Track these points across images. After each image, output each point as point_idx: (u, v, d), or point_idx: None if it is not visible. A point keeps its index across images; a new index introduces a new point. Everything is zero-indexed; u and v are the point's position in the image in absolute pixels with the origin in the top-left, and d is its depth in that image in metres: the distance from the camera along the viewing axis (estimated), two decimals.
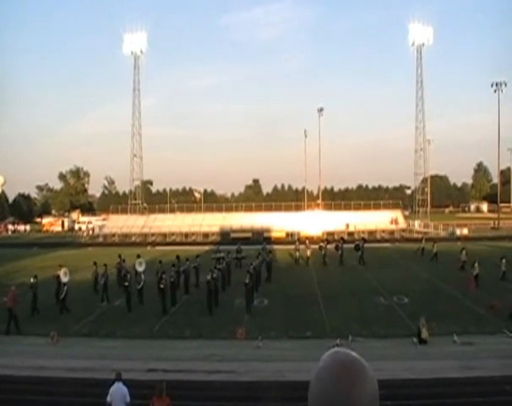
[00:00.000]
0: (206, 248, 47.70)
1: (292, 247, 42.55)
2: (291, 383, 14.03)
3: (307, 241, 41.88)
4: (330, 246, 40.06)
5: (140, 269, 26.66)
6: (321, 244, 40.36)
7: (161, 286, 23.56)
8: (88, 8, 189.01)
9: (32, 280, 23.98)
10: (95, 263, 28.54)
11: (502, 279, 29.19)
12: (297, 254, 39.58)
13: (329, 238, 50.78)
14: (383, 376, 12.89)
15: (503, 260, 29.84)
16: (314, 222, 63.81)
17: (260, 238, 58.04)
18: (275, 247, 49.63)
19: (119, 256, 30.40)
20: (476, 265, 28.01)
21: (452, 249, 40.64)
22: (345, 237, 55.43)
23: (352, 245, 40.09)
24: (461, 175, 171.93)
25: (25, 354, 17.51)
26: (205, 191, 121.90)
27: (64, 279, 24.37)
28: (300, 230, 62.17)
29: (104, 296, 25.67)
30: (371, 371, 1.50)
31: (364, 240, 42.06)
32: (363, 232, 62.66)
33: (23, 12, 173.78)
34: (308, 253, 39.11)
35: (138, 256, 29.53)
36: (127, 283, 24.38)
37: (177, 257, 29.60)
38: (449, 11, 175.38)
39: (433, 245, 39.99)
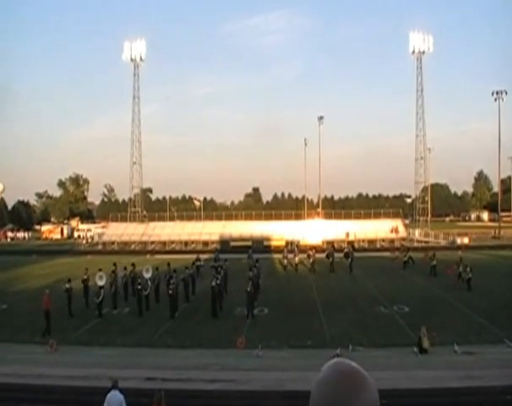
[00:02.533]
0: (205, 256, 47.50)
1: (280, 255, 43.00)
2: (291, 393, 13.94)
3: (295, 249, 42.01)
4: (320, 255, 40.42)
5: (147, 275, 26.69)
6: (309, 252, 40.41)
7: (170, 292, 23.84)
8: (88, 16, 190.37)
9: (67, 285, 24.52)
10: (100, 270, 28.65)
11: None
12: (285, 261, 39.98)
13: (328, 246, 50.81)
14: (383, 386, 12.81)
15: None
16: (314, 231, 63.73)
17: (260, 246, 57.92)
18: (274, 256, 49.61)
19: (114, 264, 30.18)
20: (469, 269, 29.55)
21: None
22: (346, 245, 55.42)
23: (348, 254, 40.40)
24: (462, 184, 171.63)
25: (24, 362, 17.43)
26: (205, 199, 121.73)
27: (100, 283, 24.68)
28: (300, 239, 62.08)
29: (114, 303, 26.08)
30: (371, 381, 1.50)
31: (353, 248, 42.14)
32: (363, 240, 62.72)
33: (23, 19, 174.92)
34: (297, 260, 39.59)
35: (133, 265, 29.50)
36: (139, 287, 24.96)
37: (168, 264, 29.83)
38: (450, 19, 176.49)
39: (406, 253, 41.00)
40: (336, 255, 40.26)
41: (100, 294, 24.04)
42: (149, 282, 26.01)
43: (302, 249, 45.61)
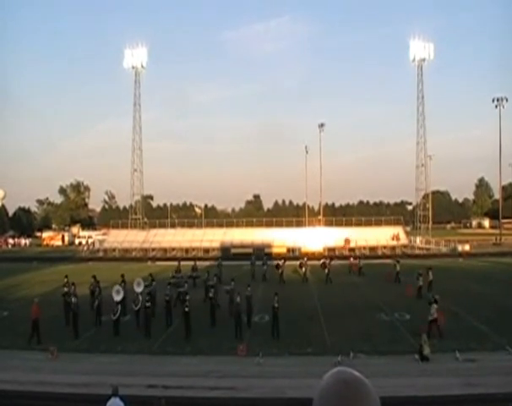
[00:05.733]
0: (207, 263, 47.41)
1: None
2: (291, 400, 13.92)
3: (264, 257, 41.44)
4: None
5: (138, 289, 25.18)
6: (278, 262, 39.81)
7: (186, 309, 21.74)
8: (89, 23, 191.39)
9: (73, 300, 22.90)
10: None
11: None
12: (303, 270, 39.29)
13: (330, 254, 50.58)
14: (385, 393, 12.78)
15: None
16: (315, 238, 63.73)
17: (261, 253, 57.75)
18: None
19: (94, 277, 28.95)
20: (421, 278, 30.22)
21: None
22: (347, 252, 55.53)
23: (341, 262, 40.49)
24: (463, 191, 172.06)
25: (25, 369, 17.42)
26: (206, 206, 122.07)
27: (117, 298, 22.70)
28: (301, 246, 62.16)
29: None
30: (373, 390, 1.52)
31: (331, 258, 41.73)
32: (364, 247, 62.67)
33: (24, 25, 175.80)
34: (264, 268, 39.04)
35: (94, 277, 28.31)
36: (148, 304, 22.52)
37: (122, 275, 28.91)
38: (450, 26, 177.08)
39: (358, 261, 42.18)
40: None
41: (118, 310, 22.12)
42: (140, 297, 24.14)
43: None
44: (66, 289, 26.01)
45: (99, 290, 25.68)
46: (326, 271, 37.43)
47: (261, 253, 57.31)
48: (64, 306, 24.99)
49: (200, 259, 55.54)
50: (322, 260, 40.43)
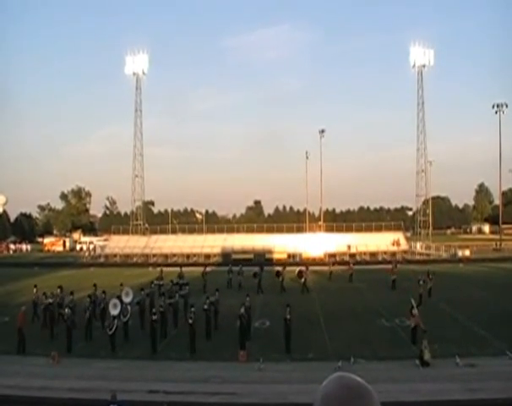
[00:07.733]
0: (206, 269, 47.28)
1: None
2: (292, 405, 13.95)
3: (240, 265, 40.98)
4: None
5: (127, 300, 23.75)
6: (256, 270, 38.41)
7: (190, 321, 20.64)
8: (90, 30, 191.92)
9: (67, 311, 21.67)
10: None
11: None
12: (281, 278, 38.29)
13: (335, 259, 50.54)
14: (385, 399, 12.84)
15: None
16: (316, 244, 63.72)
17: (262, 258, 57.73)
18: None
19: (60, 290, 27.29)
20: (421, 282, 30.06)
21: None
22: (348, 258, 55.57)
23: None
24: (463, 196, 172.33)
25: (26, 374, 17.45)
26: (207, 212, 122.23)
27: (114, 312, 21.30)
28: (302, 251, 62.18)
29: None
30: (376, 395, 1.54)
31: (307, 267, 40.62)
32: (365, 253, 62.70)
33: (25, 32, 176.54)
34: (239, 278, 37.98)
35: (60, 287, 27.24)
36: (155, 317, 21.15)
37: (93, 287, 27.63)
38: (450, 33, 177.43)
39: (350, 267, 41.84)
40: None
41: (114, 325, 20.68)
42: (129, 307, 22.90)
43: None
44: (51, 300, 24.93)
45: (89, 302, 23.95)
46: (303, 280, 35.87)
47: (261, 258, 57.51)
48: (50, 318, 23.90)
49: (201, 264, 55.38)
50: (298, 269, 38.75)
